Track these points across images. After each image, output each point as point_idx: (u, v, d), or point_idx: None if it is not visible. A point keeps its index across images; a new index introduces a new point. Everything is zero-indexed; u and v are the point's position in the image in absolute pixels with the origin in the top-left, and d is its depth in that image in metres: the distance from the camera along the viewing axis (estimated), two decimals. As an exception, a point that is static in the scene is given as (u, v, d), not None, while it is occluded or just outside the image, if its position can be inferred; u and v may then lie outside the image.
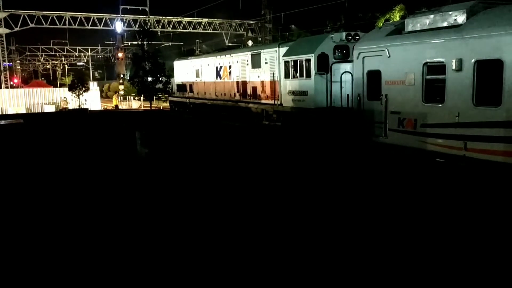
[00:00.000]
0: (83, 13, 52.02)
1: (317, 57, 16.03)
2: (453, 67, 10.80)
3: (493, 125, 10.15)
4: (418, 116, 11.80)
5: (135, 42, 45.89)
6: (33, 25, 50.12)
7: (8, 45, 64.07)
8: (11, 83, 61.27)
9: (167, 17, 54.86)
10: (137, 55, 41.26)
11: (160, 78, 39.77)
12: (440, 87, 11.22)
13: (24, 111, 46.07)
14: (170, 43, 66.50)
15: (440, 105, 11.28)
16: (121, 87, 59.36)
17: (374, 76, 13.13)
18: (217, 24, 56.30)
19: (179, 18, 55.27)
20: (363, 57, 13.43)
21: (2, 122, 22.43)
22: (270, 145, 15.53)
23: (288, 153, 13.94)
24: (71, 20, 51.52)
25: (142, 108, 49.55)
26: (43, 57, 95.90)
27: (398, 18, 45.93)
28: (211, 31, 57.25)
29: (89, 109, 45.79)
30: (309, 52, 16.33)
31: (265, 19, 53.89)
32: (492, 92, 10.13)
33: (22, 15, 49.17)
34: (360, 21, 47.58)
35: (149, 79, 39.87)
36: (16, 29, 50.40)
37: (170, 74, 38.45)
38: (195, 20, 55.21)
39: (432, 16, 11.77)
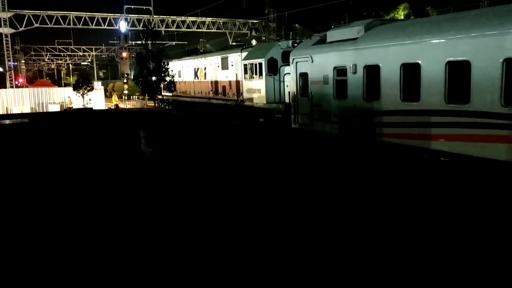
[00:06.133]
0: (87, 13, 55.59)
1: (267, 61, 21.51)
2: (351, 71, 15.93)
3: (376, 114, 15.23)
4: (332, 108, 16.97)
5: (139, 42, 49.92)
6: (37, 25, 53.62)
7: (13, 44, 67.67)
8: (16, 82, 64.37)
9: (171, 17, 59.22)
10: (141, 54, 43.56)
11: (165, 78, 44.09)
12: (344, 86, 16.35)
13: (29, 111, 48.63)
14: (174, 43, 71.98)
15: (345, 100, 16.42)
16: (125, 86, 64.20)
17: (304, 77, 18.39)
18: (221, 23, 60.95)
19: (183, 18, 59.68)
20: (296, 62, 18.70)
21: (7, 121, 23.35)
22: (233, 134, 20.61)
23: (243, 140, 18.90)
24: (75, 20, 55.12)
25: (146, 107, 54.14)
26: (47, 57, 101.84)
27: (402, 17, 50.49)
28: (215, 31, 61.99)
29: (93, 108, 49.29)
30: (261, 56, 21.82)
31: (269, 18, 58.39)
32: (375, 89, 15.21)
33: (27, 15, 52.64)
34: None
35: (153, 78, 44.12)
36: (21, 29, 53.94)
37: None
38: (199, 19, 59.73)
39: (343, 29, 16.93)
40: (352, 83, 15.96)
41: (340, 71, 16.52)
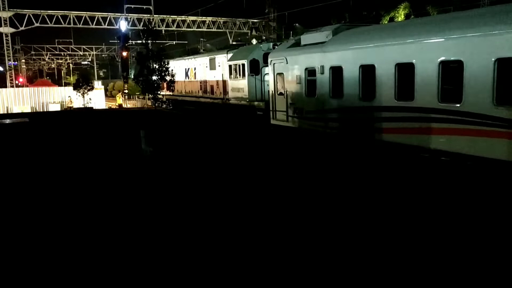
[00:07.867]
0: (87, 12, 57.39)
1: (249, 62, 24.08)
2: (319, 71, 18.35)
3: (340, 111, 17.64)
4: (304, 105, 19.40)
5: (140, 41, 51.71)
6: (38, 25, 55.39)
7: (13, 44, 70.00)
8: (16, 82, 66.56)
9: (171, 16, 61.39)
10: (142, 54, 43.87)
11: (165, 77, 45.73)
12: (314, 85, 18.77)
13: (29, 110, 51.25)
14: (174, 42, 74.68)
15: (314, 97, 18.84)
16: (125, 85, 66.48)
17: (280, 77, 20.88)
18: (221, 22, 63.31)
19: (183, 17, 61.88)
20: (274, 63, 21.20)
21: (8, 121, 25.45)
22: (219, 130, 23.27)
23: (228, 132, 21.54)
24: (75, 19, 56.93)
25: (146, 106, 56.23)
26: (48, 56, 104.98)
27: (402, 16, 52.58)
28: (215, 30, 64.36)
29: (93, 108, 51.72)
30: (243, 58, 24.41)
31: (269, 18, 60.82)
32: (339, 88, 17.63)
33: (27, 15, 54.55)
34: (365, 20, 53.66)
35: (154, 78, 45.67)
36: (21, 28, 55.78)
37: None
38: (199, 19, 61.98)
39: (315, 33, 19.36)
40: (320, 83, 18.37)
41: (310, 72, 18.96)
